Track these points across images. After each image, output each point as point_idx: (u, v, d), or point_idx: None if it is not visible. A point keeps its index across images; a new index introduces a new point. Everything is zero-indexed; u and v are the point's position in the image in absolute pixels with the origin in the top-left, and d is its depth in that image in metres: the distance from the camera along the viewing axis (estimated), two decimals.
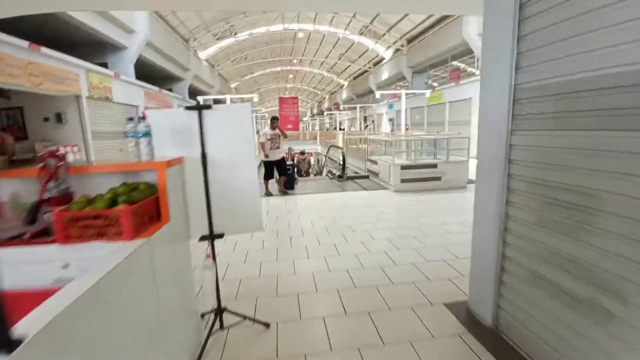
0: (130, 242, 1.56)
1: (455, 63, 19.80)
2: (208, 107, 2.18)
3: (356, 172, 10.41)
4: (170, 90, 16.02)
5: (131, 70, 11.29)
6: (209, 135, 2.19)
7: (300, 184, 8.42)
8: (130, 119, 1.93)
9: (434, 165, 6.81)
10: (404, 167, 6.73)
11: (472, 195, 2.49)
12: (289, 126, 41.21)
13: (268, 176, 7.10)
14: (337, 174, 8.71)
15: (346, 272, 3.30)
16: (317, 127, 45.58)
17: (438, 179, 6.78)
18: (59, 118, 8.15)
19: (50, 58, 7.05)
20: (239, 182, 2.27)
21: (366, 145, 10.23)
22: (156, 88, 12.41)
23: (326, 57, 27.05)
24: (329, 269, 3.39)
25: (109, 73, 9.30)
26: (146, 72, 13.69)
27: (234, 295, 2.94)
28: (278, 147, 6.84)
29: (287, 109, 40.27)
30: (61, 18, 8.33)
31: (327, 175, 9.89)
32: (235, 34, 20.05)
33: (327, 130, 37.97)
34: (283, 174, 7.09)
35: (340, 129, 26.51)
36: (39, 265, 1.63)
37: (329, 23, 20.17)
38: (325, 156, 13.64)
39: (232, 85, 31.91)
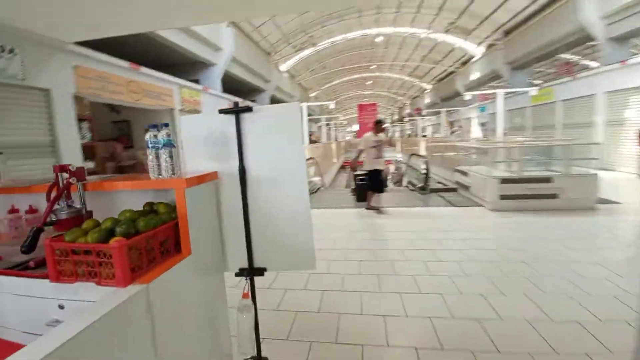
0: (122, 289, 1.15)
1: (564, 56, 16.63)
2: (248, 109, 1.72)
3: (441, 184, 9.18)
4: (254, 101, 16.95)
5: (219, 84, 12.14)
6: (249, 145, 1.73)
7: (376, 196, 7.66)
8: (153, 126, 1.56)
9: (548, 179, 5.35)
10: (504, 181, 5.45)
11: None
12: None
13: (371, 187, 6.10)
14: (419, 185, 7.71)
15: (428, 319, 2.51)
16: (397, 134, 43.92)
17: (553, 196, 5.29)
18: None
19: (148, 76, 7.79)
20: (287, 205, 1.74)
21: (453, 153, 8.97)
22: (239, 99, 13.12)
23: (407, 61, 25.70)
24: (406, 313, 2.64)
25: (198, 87, 10.05)
26: (232, 85, 14.65)
27: (285, 333, 2.42)
28: (380, 157, 5.96)
29: (366, 116, 39.80)
30: (159, 42, 9.29)
31: (407, 186, 8.94)
32: (314, 44, 20.36)
33: (409, 136, 36.13)
34: (377, 189, 6.07)
35: (422, 135, 24.74)
36: (39, 300, 1.35)
37: (410, 23, 18.99)
38: (406, 164, 12.59)
39: (312, 95, 32.76)
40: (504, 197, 5.42)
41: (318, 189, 8.78)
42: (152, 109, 8.61)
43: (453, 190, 7.50)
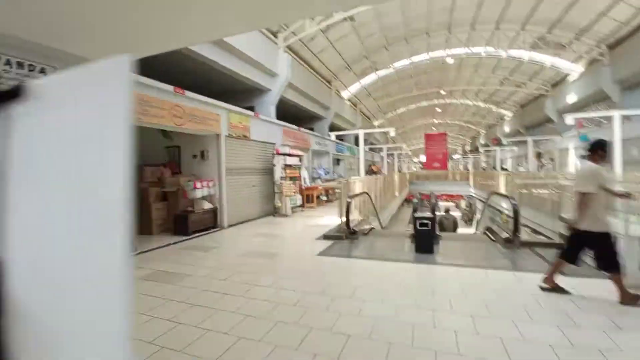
0: None
1: None
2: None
3: (537, 233, 6.97)
4: (312, 129, 16.42)
5: (273, 110, 11.77)
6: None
7: (441, 242, 5.91)
8: None
9: None
10: None
11: None
12: (436, 164, 37.89)
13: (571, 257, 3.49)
14: (505, 236, 5.71)
15: None
16: (469, 166, 40.02)
17: None
18: (202, 155, 8.79)
19: (194, 101, 7.49)
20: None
21: (554, 193, 6.78)
22: (294, 126, 12.58)
23: (483, 85, 23.17)
24: None
25: (249, 113, 9.65)
26: (288, 112, 14.33)
27: None
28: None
29: (433, 146, 37.24)
30: (214, 68, 9.20)
31: (484, 232, 6.93)
32: (377, 69, 19.48)
33: (484, 170, 32.26)
34: (612, 265, 3.24)
35: (502, 168, 21.57)
36: None
37: (486, 42, 16.96)
38: (485, 203, 10.33)
39: (376, 124, 31.69)
40: None
41: (370, 229, 7.33)
42: (200, 135, 8.35)
43: (557, 246, 5.39)
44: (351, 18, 12.41)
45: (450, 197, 37.01)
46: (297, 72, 12.87)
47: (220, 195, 8.44)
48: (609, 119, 8.97)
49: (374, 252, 5.59)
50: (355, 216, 7.37)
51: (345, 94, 21.33)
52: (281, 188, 10.01)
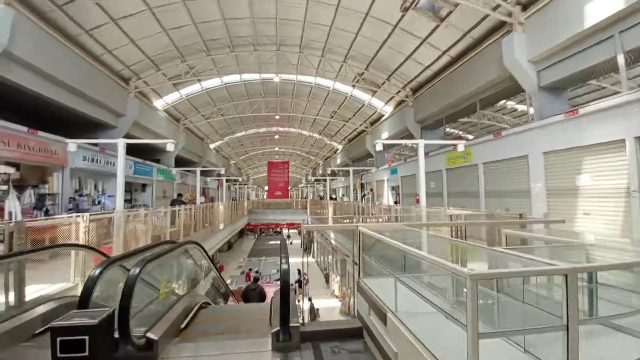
0: None
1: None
2: None
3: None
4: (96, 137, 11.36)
5: None
6: None
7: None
8: None
9: None
10: None
11: None
12: (278, 193, 36.75)
13: None
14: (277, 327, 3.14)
15: None
16: (310, 196, 41.10)
17: None
18: None
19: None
20: None
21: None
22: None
23: (317, 115, 23.45)
24: None
25: None
26: (41, 111, 9.13)
27: None
28: None
29: (276, 175, 36.20)
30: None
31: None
32: (199, 78, 16.33)
33: (321, 198, 33.14)
34: None
35: (331, 197, 21.60)
36: None
37: (316, 71, 16.63)
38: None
39: (212, 146, 28.05)
40: None
41: None
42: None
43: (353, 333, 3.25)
44: None
45: (290, 226, 36.48)
46: (36, 40, 8.20)
47: None
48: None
49: None
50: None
51: (160, 103, 17.07)
52: None
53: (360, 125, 21.71)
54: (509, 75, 8.81)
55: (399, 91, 15.62)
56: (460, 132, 17.48)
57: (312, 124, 26.34)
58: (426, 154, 13.59)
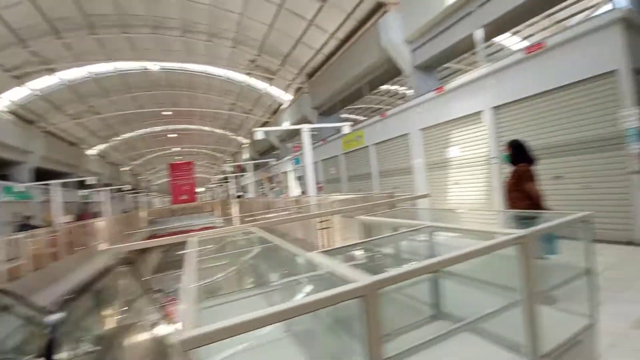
0: None
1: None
2: None
3: None
4: None
5: None
6: None
7: None
8: None
9: None
10: None
11: None
12: (184, 197, 33.47)
13: None
14: None
15: None
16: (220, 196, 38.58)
17: None
18: None
19: None
20: None
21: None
22: None
23: (216, 109, 21.63)
24: None
25: None
26: None
27: None
28: None
29: (179, 177, 32.83)
30: None
31: None
32: (52, 68, 13.23)
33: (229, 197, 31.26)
34: None
35: (237, 196, 20.33)
36: None
37: (205, 59, 15.04)
38: None
39: (92, 152, 23.70)
40: None
41: None
42: None
43: None
44: None
45: (205, 229, 33.77)
46: None
47: None
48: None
49: None
50: None
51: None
52: None
53: (261, 117, 20.77)
54: (388, 57, 8.98)
55: (295, 77, 15.18)
56: (359, 117, 18.01)
57: (212, 118, 24.33)
58: (324, 140, 13.60)
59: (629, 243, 4.29)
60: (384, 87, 14.02)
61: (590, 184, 4.71)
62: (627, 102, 4.21)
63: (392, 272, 1.07)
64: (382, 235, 2.24)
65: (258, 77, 16.93)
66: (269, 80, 16.76)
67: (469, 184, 6.73)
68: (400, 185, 8.89)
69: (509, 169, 3.48)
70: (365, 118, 13.78)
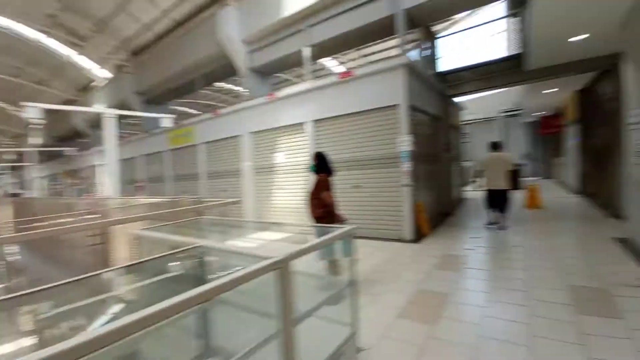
0: None
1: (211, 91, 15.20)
2: None
3: None
4: None
5: None
6: None
7: None
8: None
9: None
10: None
11: None
12: None
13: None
14: None
15: None
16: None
17: None
18: None
19: None
20: None
21: None
22: None
23: None
24: None
25: None
26: None
27: None
28: None
29: None
30: None
31: None
32: None
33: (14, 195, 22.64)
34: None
35: (12, 194, 14.98)
36: None
37: None
38: None
39: None
40: None
41: None
42: None
43: None
44: None
45: None
46: None
47: None
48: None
49: None
50: None
51: None
52: None
53: (63, 92, 16.13)
54: (224, 53, 8.49)
55: (114, 51, 12.48)
56: (194, 111, 16.57)
57: None
58: (146, 132, 11.71)
59: (399, 240, 5.38)
60: (221, 84, 13.38)
61: (379, 193, 5.68)
62: (403, 130, 5.30)
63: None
64: (142, 260, 1.71)
65: (61, 40, 13.02)
66: (77, 47, 13.16)
67: (292, 189, 7.03)
68: (228, 188, 8.47)
69: (313, 178, 3.65)
70: (200, 113, 12.69)
